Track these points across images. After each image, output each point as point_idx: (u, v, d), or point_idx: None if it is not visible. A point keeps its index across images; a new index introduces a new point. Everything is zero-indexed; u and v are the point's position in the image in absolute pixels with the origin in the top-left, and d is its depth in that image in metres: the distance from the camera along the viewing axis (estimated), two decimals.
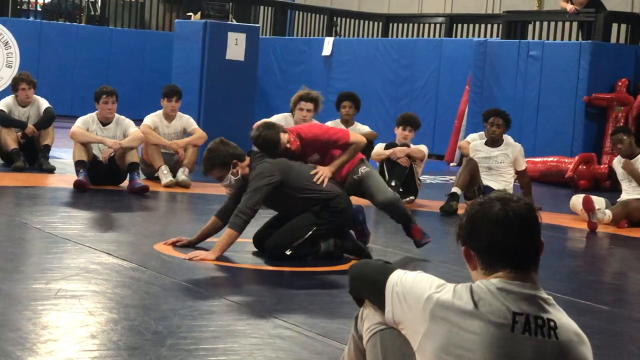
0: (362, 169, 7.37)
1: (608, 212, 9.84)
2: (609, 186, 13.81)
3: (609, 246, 9.33)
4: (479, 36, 18.07)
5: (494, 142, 10.66)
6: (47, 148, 11.32)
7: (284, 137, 7.09)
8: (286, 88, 18.59)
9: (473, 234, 2.86)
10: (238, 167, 6.82)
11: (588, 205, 9.65)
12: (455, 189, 10.16)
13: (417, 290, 2.92)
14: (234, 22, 13.98)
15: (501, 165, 10.58)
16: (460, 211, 9.56)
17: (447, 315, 2.80)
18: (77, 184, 9.81)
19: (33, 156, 11.29)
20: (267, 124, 7.26)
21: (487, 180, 10.43)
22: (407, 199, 10.47)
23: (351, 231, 7.40)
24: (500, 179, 10.52)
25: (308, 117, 9.56)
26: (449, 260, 7.31)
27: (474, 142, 10.91)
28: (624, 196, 10.29)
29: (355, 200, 7.44)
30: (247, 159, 6.90)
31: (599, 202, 9.98)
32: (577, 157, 13.93)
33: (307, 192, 6.92)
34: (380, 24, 20.60)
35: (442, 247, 8.29)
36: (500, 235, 2.82)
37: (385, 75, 17.82)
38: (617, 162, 10.54)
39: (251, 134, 7.20)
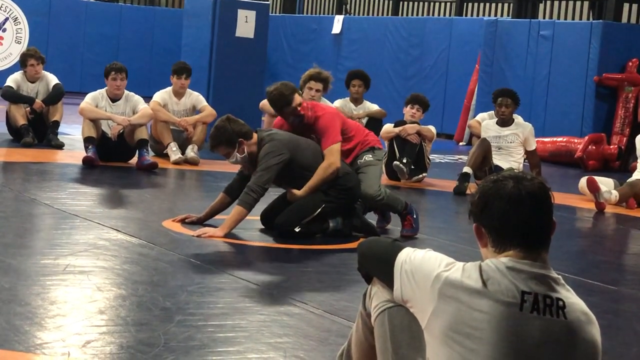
0: (367, 157, 7.36)
1: (615, 192, 9.82)
2: (618, 167, 13.80)
3: (617, 226, 9.32)
4: (489, 15, 18.02)
5: (504, 122, 10.64)
6: (56, 124, 11.32)
7: (297, 98, 7.06)
8: (295, 66, 18.57)
9: (485, 211, 2.85)
10: (244, 145, 6.81)
11: (592, 186, 9.65)
12: (466, 169, 10.15)
13: (426, 268, 2.91)
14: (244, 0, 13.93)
15: (511, 145, 10.57)
16: (470, 191, 9.56)
17: (455, 294, 2.80)
18: (85, 160, 9.82)
19: (42, 132, 11.28)
20: (285, 82, 7.23)
21: (496, 159, 10.41)
22: (420, 176, 10.50)
23: (373, 213, 7.44)
24: (510, 158, 10.50)
25: (317, 97, 9.52)
26: (459, 240, 7.30)
27: (486, 122, 10.90)
28: (635, 175, 10.21)
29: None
30: (255, 137, 6.89)
31: (607, 183, 9.97)
32: (586, 138, 13.90)
33: (315, 169, 6.91)
34: (391, 2, 20.54)
35: (451, 227, 8.30)
36: (512, 214, 2.80)
37: (395, 53, 17.77)
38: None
39: (267, 88, 7.19)
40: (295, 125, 7.13)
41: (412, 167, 10.43)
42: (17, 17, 18.73)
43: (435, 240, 7.26)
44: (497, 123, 10.70)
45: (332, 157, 6.94)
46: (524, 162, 10.83)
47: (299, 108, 7.06)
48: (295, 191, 6.93)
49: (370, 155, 7.37)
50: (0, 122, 12.09)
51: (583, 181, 10.27)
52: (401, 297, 3.00)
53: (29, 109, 11.27)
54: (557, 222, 2.88)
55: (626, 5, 15.73)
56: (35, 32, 18.99)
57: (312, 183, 6.90)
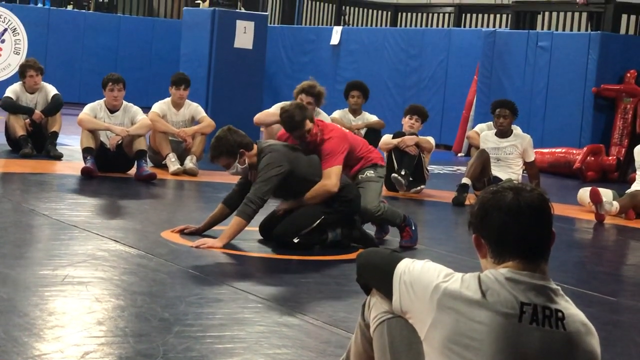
0: (369, 173, 7.37)
1: (615, 204, 9.82)
2: (617, 178, 13.79)
3: (616, 237, 9.32)
4: (487, 26, 18.04)
5: (503, 133, 10.65)
6: (55, 135, 11.32)
7: (307, 124, 7.06)
8: (294, 77, 18.57)
9: (484, 222, 2.85)
10: (245, 156, 6.81)
11: (596, 197, 9.63)
12: (465, 180, 10.15)
13: (425, 279, 2.91)
14: (243, 10, 13.96)
15: (510, 157, 10.57)
16: (469, 201, 9.56)
17: (454, 305, 2.80)
18: (84, 171, 9.82)
19: (41, 143, 11.28)
20: (301, 105, 7.28)
21: (495, 171, 10.41)
22: (418, 188, 10.49)
23: (371, 224, 7.45)
24: (508, 170, 10.50)
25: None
26: (458, 251, 7.30)
27: (484, 133, 10.90)
28: (634, 186, 10.20)
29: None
30: (255, 148, 6.89)
31: (606, 194, 9.95)
32: (585, 149, 13.89)
33: (315, 181, 6.91)
34: (389, 13, 20.57)
35: (450, 238, 8.29)
36: (511, 225, 2.81)
37: (393, 64, 17.79)
38: (638, 150, 10.37)
39: (282, 105, 7.20)
40: (301, 143, 7.14)
41: (411, 178, 10.42)
42: (15, 28, 18.75)
43: (434, 251, 7.25)
44: (495, 134, 10.71)
45: (329, 181, 6.93)
46: (523, 173, 10.83)
47: (307, 134, 7.06)
48: (287, 203, 6.98)
49: (372, 171, 7.38)
50: None
51: (582, 192, 10.27)
52: (400, 308, 3.00)
53: (28, 120, 11.27)
54: (557, 233, 2.88)
55: (624, 17, 15.75)
56: (34, 43, 19.00)
57: (304, 198, 6.92)
